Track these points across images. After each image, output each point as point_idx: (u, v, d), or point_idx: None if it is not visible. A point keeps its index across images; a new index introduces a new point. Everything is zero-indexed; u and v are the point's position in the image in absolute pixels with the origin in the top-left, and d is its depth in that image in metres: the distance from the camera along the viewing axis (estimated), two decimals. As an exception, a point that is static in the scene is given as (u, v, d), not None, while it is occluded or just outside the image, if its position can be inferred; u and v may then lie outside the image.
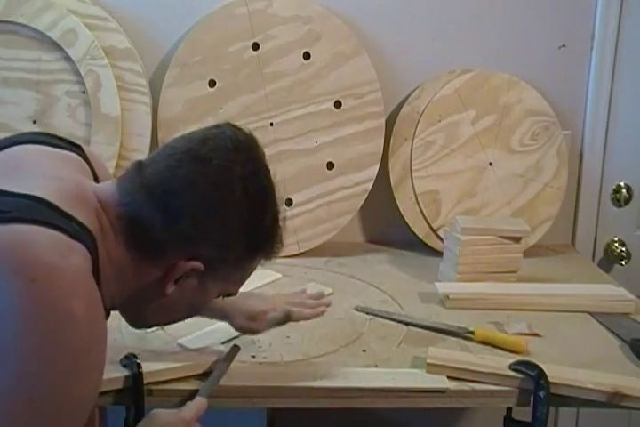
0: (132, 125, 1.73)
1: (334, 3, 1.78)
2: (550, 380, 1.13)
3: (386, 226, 1.89)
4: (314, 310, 1.23)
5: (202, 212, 0.91)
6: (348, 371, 1.19)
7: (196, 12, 1.76)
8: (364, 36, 1.80)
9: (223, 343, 1.24)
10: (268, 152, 0.98)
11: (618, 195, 1.92)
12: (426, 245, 1.82)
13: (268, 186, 0.96)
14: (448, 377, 1.17)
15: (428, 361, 1.19)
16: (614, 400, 1.13)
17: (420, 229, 1.82)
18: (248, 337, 1.27)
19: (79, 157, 1.02)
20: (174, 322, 1.07)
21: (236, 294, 1.04)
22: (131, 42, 1.73)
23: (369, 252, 1.84)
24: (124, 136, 1.72)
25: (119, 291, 0.94)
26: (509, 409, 1.24)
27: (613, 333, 1.38)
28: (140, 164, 0.95)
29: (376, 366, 1.22)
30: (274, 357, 1.24)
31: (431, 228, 1.81)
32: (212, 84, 1.75)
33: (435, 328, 1.36)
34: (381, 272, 1.69)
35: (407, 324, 1.39)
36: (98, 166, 1.06)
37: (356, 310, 1.45)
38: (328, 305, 1.27)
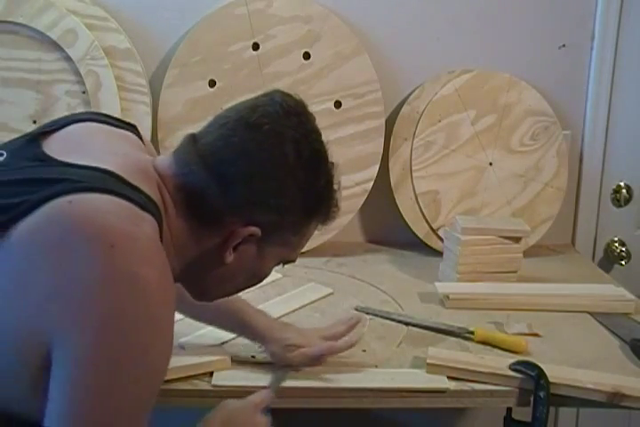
0: (132, 125, 1.73)
1: (334, 3, 1.78)
2: (550, 380, 1.13)
3: (386, 226, 1.89)
4: (345, 341, 1.20)
5: (256, 177, 0.92)
6: (348, 371, 1.19)
7: (196, 12, 1.76)
8: (364, 36, 1.80)
9: (222, 344, 1.24)
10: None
11: (618, 195, 1.92)
12: (426, 245, 1.82)
13: (321, 149, 0.96)
14: (448, 377, 1.17)
15: (428, 361, 1.19)
16: (614, 400, 1.13)
17: (420, 229, 1.82)
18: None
19: (135, 136, 1.04)
20: (237, 292, 1.06)
21: (294, 260, 1.03)
22: (131, 42, 1.73)
23: (369, 252, 1.84)
24: (124, 136, 1.72)
25: (180, 262, 0.94)
26: (509, 409, 1.24)
27: (613, 333, 1.38)
28: (193, 136, 0.96)
29: (376, 366, 1.22)
30: (274, 357, 1.24)
31: (431, 228, 1.81)
32: (212, 84, 1.75)
33: (435, 328, 1.36)
34: (381, 272, 1.69)
35: (407, 324, 1.39)
36: (148, 146, 1.07)
37: (356, 310, 1.45)
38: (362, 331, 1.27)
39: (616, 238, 1.93)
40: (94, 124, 1.00)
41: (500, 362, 1.19)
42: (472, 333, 1.32)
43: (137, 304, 0.78)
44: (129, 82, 1.73)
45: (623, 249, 1.92)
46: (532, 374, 1.14)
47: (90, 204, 0.81)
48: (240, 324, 1.20)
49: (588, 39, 1.84)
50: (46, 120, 1.70)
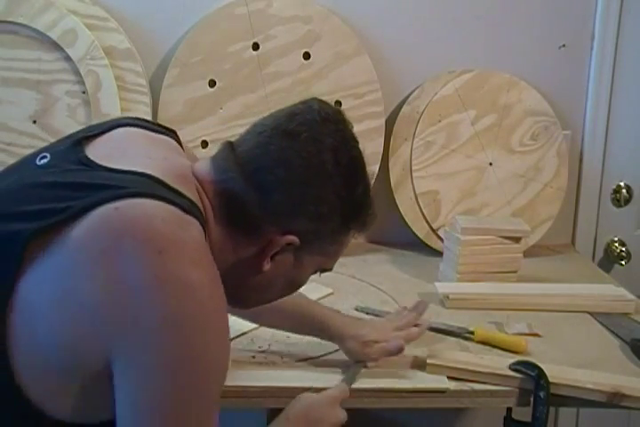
0: (132, 125, 1.73)
1: (334, 3, 1.78)
2: (550, 380, 1.13)
3: (386, 226, 1.89)
4: (418, 329, 1.22)
5: (295, 185, 0.91)
6: (348, 371, 1.19)
7: (196, 12, 1.76)
8: (364, 36, 1.80)
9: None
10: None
11: (618, 195, 1.92)
12: (426, 245, 1.82)
13: (359, 157, 0.96)
14: (448, 377, 1.17)
15: (428, 361, 1.19)
16: (614, 400, 1.13)
17: (420, 229, 1.82)
18: (248, 337, 1.27)
19: (175, 142, 1.04)
20: (273, 300, 1.06)
21: (331, 269, 1.03)
22: (131, 42, 1.73)
23: (369, 252, 1.84)
24: (124, 136, 1.72)
25: (219, 269, 0.93)
26: (509, 409, 1.24)
27: (613, 333, 1.38)
28: (230, 143, 0.96)
29: (377, 366, 1.22)
30: (274, 357, 1.24)
31: (431, 228, 1.81)
32: (212, 84, 1.75)
33: (435, 328, 1.36)
34: (381, 272, 1.69)
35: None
36: (187, 151, 1.07)
37: (356, 310, 1.45)
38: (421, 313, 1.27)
39: (616, 238, 1.93)
40: (135, 129, 1.00)
41: (500, 362, 1.19)
42: (472, 333, 1.32)
43: (191, 305, 0.78)
44: (129, 82, 1.73)
45: (623, 249, 1.92)
46: (532, 374, 1.14)
47: (136, 209, 0.81)
48: (314, 327, 1.21)
49: (588, 39, 1.84)
50: (46, 120, 1.72)
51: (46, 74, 1.71)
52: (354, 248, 1.83)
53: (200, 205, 0.90)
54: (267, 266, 0.95)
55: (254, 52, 1.75)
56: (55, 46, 1.69)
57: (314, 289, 1.52)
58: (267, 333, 1.29)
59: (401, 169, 1.81)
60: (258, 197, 0.91)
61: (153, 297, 0.77)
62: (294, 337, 1.29)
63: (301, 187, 0.92)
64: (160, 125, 1.05)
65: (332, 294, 1.52)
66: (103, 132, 0.97)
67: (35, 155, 0.94)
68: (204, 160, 0.98)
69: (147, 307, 0.77)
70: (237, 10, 1.74)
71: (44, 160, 0.92)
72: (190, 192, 0.90)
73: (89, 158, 0.90)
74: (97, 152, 0.92)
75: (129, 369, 0.78)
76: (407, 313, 1.25)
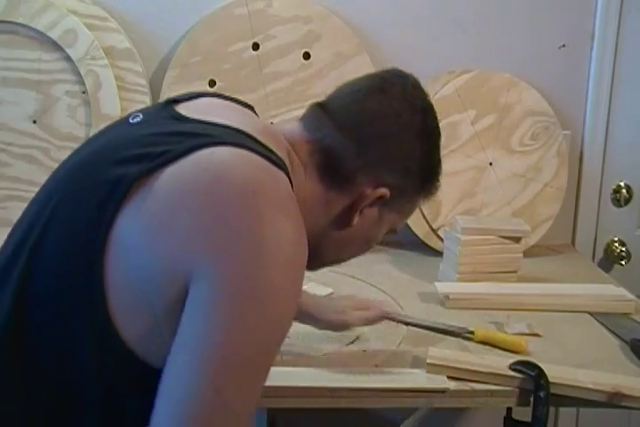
0: (132, 125, 1.73)
1: (334, 3, 1.78)
2: (550, 380, 1.13)
3: (386, 226, 1.89)
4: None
5: (390, 139, 0.97)
6: (348, 371, 1.19)
7: (196, 12, 1.76)
8: (364, 36, 1.80)
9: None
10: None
11: (618, 195, 1.92)
12: (426, 245, 1.82)
13: (438, 124, 1.02)
14: (448, 377, 1.17)
15: (428, 361, 1.19)
16: (614, 400, 1.13)
17: (420, 229, 1.82)
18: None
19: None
20: (346, 260, 1.10)
21: (396, 231, 1.09)
22: (131, 42, 1.73)
23: (369, 252, 1.82)
24: (124, 136, 1.72)
25: (305, 226, 0.94)
26: (509, 409, 1.24)
27: (613, 333, 1.38)
28: (319, 104, 1.00)
29: (376, 366, 1.22)
30: (274, 357, 1.24)
31: (431, 228, 1.81)
32: (212, 84, 1.75)
33: (435, 328, 1.36)
34: (381, 272, 1.69)
35: (407, 324, 1.39)
36: None
37: (356, 310, 1.45)
38: None
39: (616, 238, 1.93)
40: (219, 100, 1.02)
41: (500, 362, 1.19)
42: (472, 333, 1.32)
43: (275, 245, 0.79)
44: (129, 82, 1.73)
45: (623, 249, 1.92)
46: (531, 374, 1.14)
47: (232, 155, 0.83)
48: None
49: (588, 39, 1.84)
50: (46, 120, 1.72)
51: (46, 74, 1.71)
52: (354, 248, 1.84)
53: (288, 163, 0.93)
54: (356, 218, 0.98)
55: (254, 52, 1.75)
56: (55, 46, 1.69)
57: (314, 289, 1.52)
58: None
59: (401, 169, 1.81)
60: (356, 150, 0.95)
61: (243, 229, 0.79)
62: (294, 337, 1.29)
63: (395, 141, 0.97)
64: (239, 100, 1.06)
65: (332, 293, 1.52)
66: (191, 99, 0.99)
67: (127, 117, 0.96)
68: (292, 123, 1.02)
69: (237, 237, 0.78)
70: (237, 10, 1.74)
71: (137, 119, 0.94)
72: (280, 151, 0.92)
73: (182, 114, 0.93)
74: (188, 110, 0.94)
75: (203, 294, 0.78)
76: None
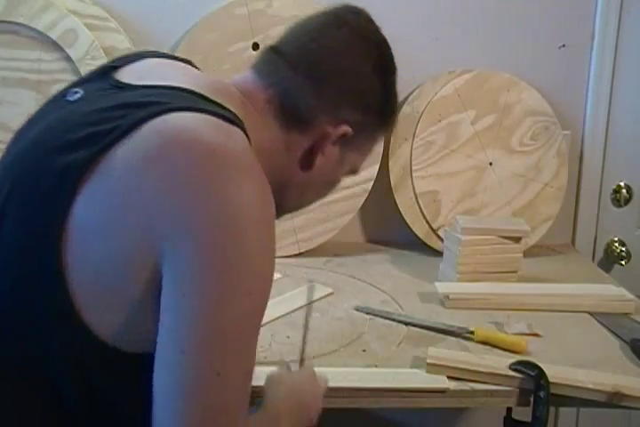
0: (132, 125, 1.73)
1: (334, 3, 1.78)
2: (550, 380, 1.13)
3: (386, 226, 1.89)
4: None
5: (347, 75, 0.96)
6: (348, 371, 1.19)
7: (196, 12, 1.76)
8: (364, 36, 1.80)
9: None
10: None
11: (618, 195, 1.92)
12: (426, 245, 1.82)
13: (393, 58, 1.02)
14: (448, 377, 1.17)
15: (428, 361, 1.19)
16: (614, 400, 1.13)
17: (420, 229, 1.82)
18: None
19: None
20: (308, 204, 1.07)
21: (358, 171, 1.06)
22: (131, 42, 1.73)
23: (369, 252, 1.84)
24: (124, 136, 1.72)
25: (266, 175, 0.92)
26: (509, 409, 1.24)
27: (613, 333, 1.38)
28: (272, 47, 0.98)
29: (376, 366, 1.22)
30: (274, 357, 1.24)
31: (431, 228, 1.81)
32: (212, 84, 1.75)
33: (435, 328, 1.36)
34: (381, 272, 1.69)
35: (407, 324, 1.39)
36: None
37: (356, 310, 1.45)
38: None
39: (616, 238, 1.93)
40: (161, 59, 1.00)
41: (500, 362, 1.19)
42: (472, 333, 1.32)
43: (241, 206, 0.78)
44: (129, 82, 1.73)
45: (623, 249, 1.92)
46: (531, 374, 1.14)
47: (183, 120, 0.81)
48: None
49: (588, 39, 1.84)
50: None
51: (46, 74, 1.71)
52: (354, 248, 1.84)
53: (242, 115, 0.91)
54: (319, 160, 0.97)
55: (254, 52, 1.75)
56: (55, 46, 1.69)
57: (314, 289, 1.52)
58: (267, 333, 1.29)
59: (401, 169, 1.81)
60: (312, 89, 0.94)
61: (203, 194, 0.77)
62: (294, 337, 1.29)
63: (353, 77, 0.96)
64: (180, 58, 1.05)
65: (332, 293, 1.52)
66: (129, 63, 0.97)
67: (62, 94, 0.93)
68: (242, 73, 0.99)
69: (201, 204, 0.77)
70: (237, 10, 1.74)
71: (77, 95, 0.91)
72: (231, 104, 0.90)
73: (122, 82, 0.91)
74: (129, 76, 0.92)
75: (178, 270, 0.77)
76: None
